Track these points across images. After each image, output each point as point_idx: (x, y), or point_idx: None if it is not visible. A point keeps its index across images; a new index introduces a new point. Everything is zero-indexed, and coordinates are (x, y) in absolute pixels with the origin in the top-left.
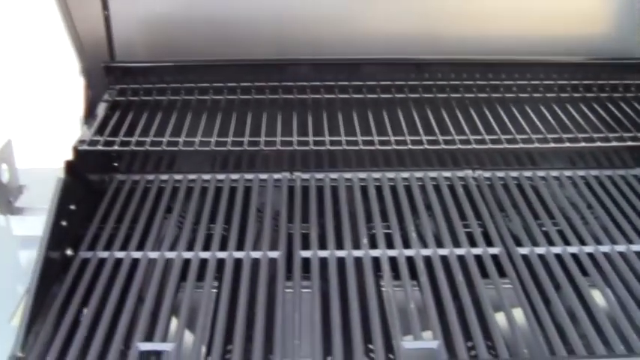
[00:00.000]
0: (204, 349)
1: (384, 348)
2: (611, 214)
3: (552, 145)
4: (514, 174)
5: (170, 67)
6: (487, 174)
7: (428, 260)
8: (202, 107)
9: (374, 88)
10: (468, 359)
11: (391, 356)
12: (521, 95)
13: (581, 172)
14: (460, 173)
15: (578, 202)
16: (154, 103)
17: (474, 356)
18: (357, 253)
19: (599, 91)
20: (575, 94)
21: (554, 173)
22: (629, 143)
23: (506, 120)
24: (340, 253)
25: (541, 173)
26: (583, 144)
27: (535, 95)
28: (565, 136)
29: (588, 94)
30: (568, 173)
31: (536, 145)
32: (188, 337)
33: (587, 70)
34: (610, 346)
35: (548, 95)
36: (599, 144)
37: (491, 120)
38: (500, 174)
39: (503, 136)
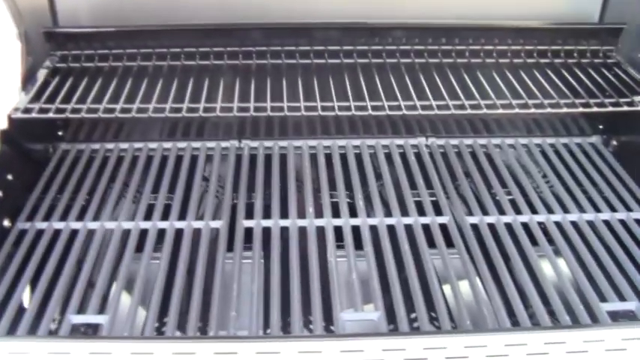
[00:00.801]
0: (140, 321)
1: (324, 320)
2: (566, 182)
3: (501, 111)
4: (468, 141)
5: (113, 32)
6: (441, 141)
7: (374, 230)
8: (157, 73)
9: (337, 53)
10: (408, 330)
11: (332, 328)
12: (473, 61)
13: (537, 140)
14: (413, 141)
15: (532, 171)
16: (95, 69)
17: (416, 328)
18: (302, 222)
19: (554, 57)
20: (530, 60)
21: (510, 141)
22: (580, 110)
23: (457, 87)
24: (284, 223)
25: (496, 141)
26: (533, 110)
27: (488, 61)
28: (515, 102)
29: (543, 60)
30: (523, 141)
31: (485, 111)
32: (126, 308)
33: (543, 35)
34: (555, 316)
35: (502, 61)
36: (549, 110)
37: (441, 86)
38: (454, 141)
39: (450, 102)
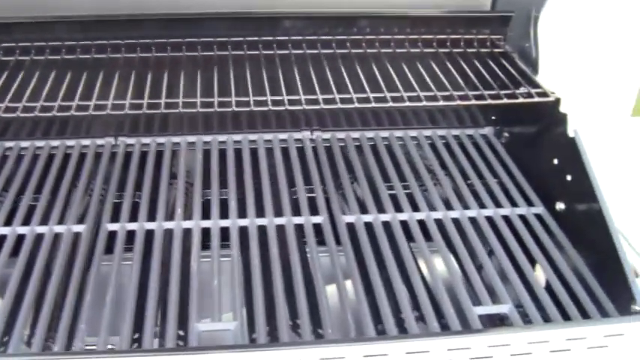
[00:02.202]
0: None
1: (176, 328)
2: (452, 176)
3: (392, 104)
4: (355, 135)
5: (52, 22)
6: (326, 135)
7: (244, 231)
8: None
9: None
10: (265, 342)
11: (181, 333)
12: (369, 51)
13: (428, 132)
14: (298, 135)
15: (419, 164)
16: (30, 63)
17: (276, 337)
18: (169, 224)
19: (452, 46)
20: (427, 50)
21: (399, 133)
22: (473, 102)
23: (347, 78)
24: (150, 225)
25: (384, 134)
26: (425, 103)
27: (384, 51)
28: (407, 94)
29: (441, 50)
30: (413, 133)
31: (374, 104)
32: None
33: (430, 24)
34: (425, 322)
35: (399, 51)
36: (442, 103)
37: (330, 79)
38: (341, 135)
39: (337, 96)
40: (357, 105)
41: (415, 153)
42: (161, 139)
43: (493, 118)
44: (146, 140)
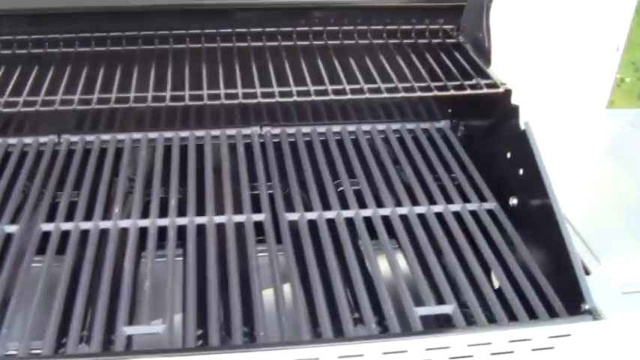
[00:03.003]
0: None
1: (104, 332)
2: (404, 172)
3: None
4: (306, 129)
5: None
6: (276, 130)
7: (182, 230)
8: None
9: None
10: (193, 346)
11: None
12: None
13: (381, 126)
14: (246, 131)
15: (369, 160)
16: None
17: (204, 344)
18: (105, 224)
19: (403, 37)
20: (377, 41)
21: (351, 128)
22: (419, 94)
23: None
24: (85, 226)
25: (336, 128)
26: (386, 94)
27: (332, 43)
28: (349, 87)
29: (392, 41)
30: (366, 127)
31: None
32: None
33: (393, 15)
34: (363, 323)
35: (347, 43)
36: (385, 95)
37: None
38: (291, 130)
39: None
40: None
41: (367, 148)
42: (106, 137)
43: (450, 111)
44: (90, 138)
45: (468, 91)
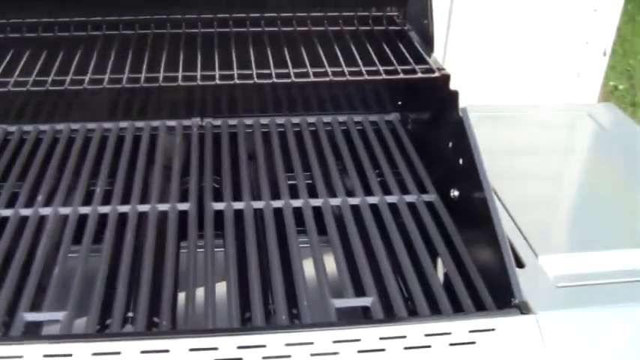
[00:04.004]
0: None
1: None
2: (344, 163)
3: (294, 79)
4: (249, 121)
5: None
6: (218, 122)
7: (103, 218)
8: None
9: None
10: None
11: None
12: (252, 30)
13: (327, 118)
14: (187, 122)
15: (310, 152)
16: None
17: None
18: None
19: (345, 25)
20: (317, 28)
21: (296, 120)
22: (349, 78)
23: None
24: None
25: (280, 120)
26: (294, 79)
27: (268, 30)
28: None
29: (331, 28)
30: (311, 119)
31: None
32: None
33: (341, 3)
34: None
35: (284, 30)
36: (313, 79)
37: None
38: (234, 122)
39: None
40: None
41: (309, 140)
42: (44, 127)
43: (400, 103)
44: (27, 128)
45: (401, 76)
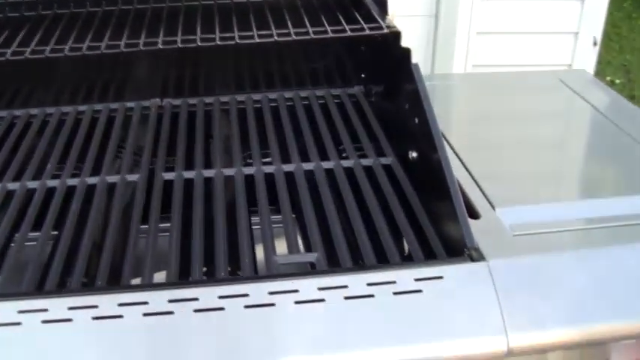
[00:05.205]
0: None
1: None
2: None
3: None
4: (209, 99)
5: None
6: (177, 102)
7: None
8: None
9: None
10: None
11: None
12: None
13: (289, 94)
14: (146, 103)
15: (268, 125)
16: None
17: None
18: None
19: None
20: None
21: (257, 96)
22: (293, 38)
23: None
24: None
25: (241, 97)
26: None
27: None
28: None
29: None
30: (272, 95)
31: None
32: None
33: None
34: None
35: None
36: (258, 40)
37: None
38: (194, 101)
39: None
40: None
41: (269, 116)
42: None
43: (363, 76)
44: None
45: (348, 34)
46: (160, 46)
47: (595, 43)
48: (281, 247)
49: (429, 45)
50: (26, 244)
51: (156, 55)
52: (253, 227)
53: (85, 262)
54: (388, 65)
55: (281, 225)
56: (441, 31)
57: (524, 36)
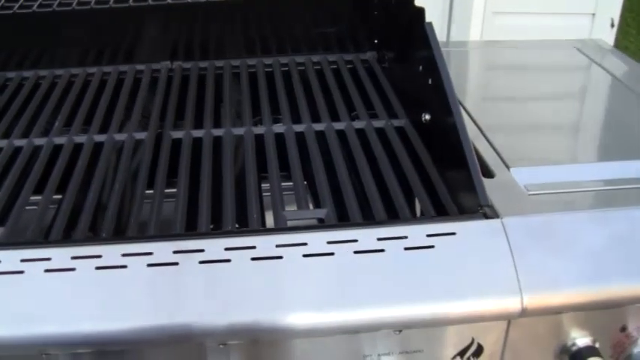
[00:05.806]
0: None
1: None
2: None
3: None
4: (220, 63)
5: None
6: (188, 65)
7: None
8: None
9: None
10: None
11: None
12: None
13: (300, 59)
14: (156, 66)
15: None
16: None
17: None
18: None
19: None
20: None
21: (268, 61)
22: None
23: None
24: None
25: (252, 61)
26: None
27: None
28: None
29: None
30: (284, 60)
31: None
32: None
33: None
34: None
35: None
36: None
37: None
38: (204, 64)
39: None
40: None
41: (280, 80)
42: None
43: (376, 42)
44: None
45: None
46: (170, 1)
47: (612, 25)
48: (290, 208)
49: (444, 25)
50: (31, 198)
51: (166, 12)
52: (263, 192)
53: (91, 216)
54: (402, 28)
55: (291, 184)
56: (456, 11)
57: (540, 16)
